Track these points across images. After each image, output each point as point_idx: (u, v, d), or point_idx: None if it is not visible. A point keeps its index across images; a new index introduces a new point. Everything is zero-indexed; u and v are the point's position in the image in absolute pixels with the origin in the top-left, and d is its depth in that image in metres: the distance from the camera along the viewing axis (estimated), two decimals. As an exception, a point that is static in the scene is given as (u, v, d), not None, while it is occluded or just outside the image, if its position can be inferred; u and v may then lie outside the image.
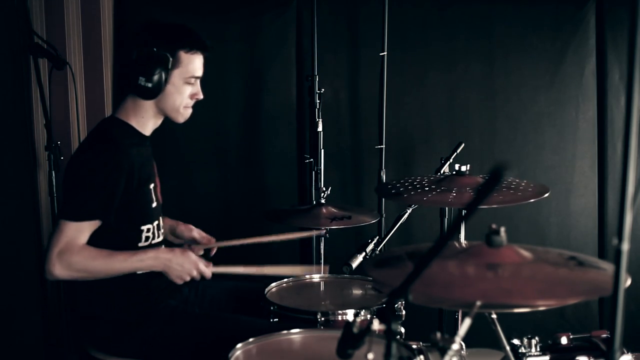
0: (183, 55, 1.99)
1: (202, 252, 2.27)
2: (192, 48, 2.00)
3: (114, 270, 1.91)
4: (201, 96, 2.07)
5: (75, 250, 1.86)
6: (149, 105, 2.02)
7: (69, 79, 2.57)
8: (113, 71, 3.05)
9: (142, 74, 1.93)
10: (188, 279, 2.00)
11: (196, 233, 2.30)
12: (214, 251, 2.30)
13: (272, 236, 2.30)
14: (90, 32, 2.96)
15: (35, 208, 2.79)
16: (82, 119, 2.92)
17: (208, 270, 2.02)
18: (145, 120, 2.05)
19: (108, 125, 2.05)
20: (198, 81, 2.06)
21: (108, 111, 3.01)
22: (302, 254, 3.28)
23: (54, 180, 2.34)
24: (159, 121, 2.10)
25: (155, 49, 1.94)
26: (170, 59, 1.95)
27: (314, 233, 2.49)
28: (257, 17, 3.19)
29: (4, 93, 2.59)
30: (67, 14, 2.90)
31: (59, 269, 1.85)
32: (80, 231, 1.88)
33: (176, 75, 1.99)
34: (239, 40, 3.19)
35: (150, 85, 1.94)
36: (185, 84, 2.02)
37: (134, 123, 2.04)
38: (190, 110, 2.08)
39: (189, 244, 2.30)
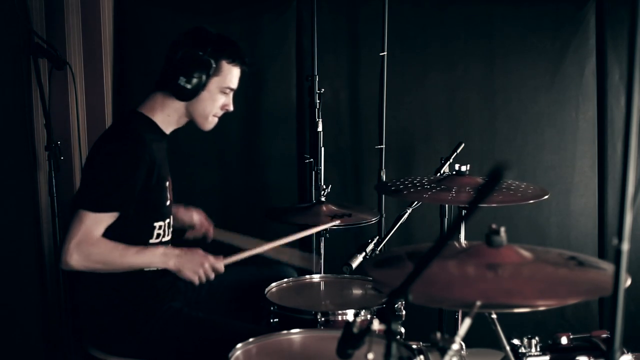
0: (225, 65, 2.04)
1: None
2: (234, 60, 2.05)
3: (128, 264, 1.93)
4: (231, 108, 2.12)
5: (93, 241, 1.87)
6: (179, 105, 2.05)
7: (69, 79, 2.57)
8: (113, 71, 3.04)
9: (183, 74, 1.97)
10: (202, 273, 2.00)
11: (196, 218, 2.32)
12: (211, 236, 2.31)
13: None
14: (90, 32, 2.95)
15: (35, 208, 2.78)
16: (82, 119, 2.91)
17: (219, 263, 2.03)
18: (171, 119, 2.08)
19: (131, 119, 2.07)
20: (232, 93, 2.10)
21: (108, 111, 3.01)
22: (300, 251, 3.28)
23: (54, 180, 2.34)
24: (183, 122, 2.13)
25: (201, 53, 1.98)
26: (213, 65, 2.00)
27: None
28: (257, 17, 3.19)
29: (4, 93, 2.59)
30: (67, 14, 2.90)
31: (76, 260, 1.86)
32: (99, 222, 1.89)
33: (214, 83, 2.03)
34: (239, 40, 3.12)
35: (189, 86, 1.98)
36: (220, 93, 2.06)
37: (158, 120, 2.06)
38: (216, 120, 2.12)
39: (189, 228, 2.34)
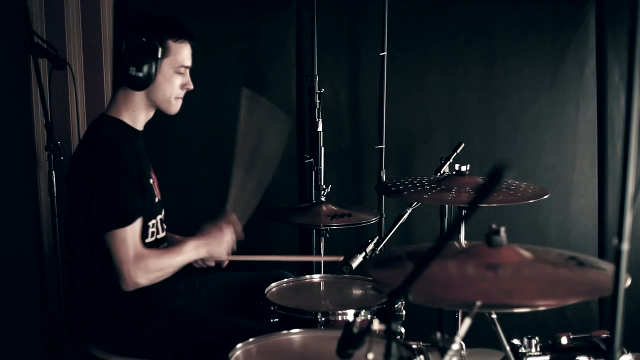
0: (172, 45, 2.00)
1: (213, 264, 2.26)
2: (180, 37, 2.02)
3: (176, 266, 2.00)
4: (191, 86, 2.08)
5: (144, 254, 1.90)
6: (140, 97, 2.02)
7: (69, 79, 2.57)
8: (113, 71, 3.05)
9: (132, 64, 1.94)
10: (229, 248, 2.12)
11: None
12: (226, 263, 2.26)
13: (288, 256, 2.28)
14: (90, 32, 2.96)
15: (35, 208, 2.79)
16: (82, 119, 2.91)
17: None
18: (137, 114, 2.05)
19: (101, 125, 2.04)
20: (188, 71, 2.07)
21: (108, 111, 3.01)
22: (302, 253, 3.28)
23: (54, 180, 2.34)
24: (151, 113, 2.09)
25: (144, 39, 1.95)
26: (160, 48, 1.97)
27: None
28: (257, 17, 3.19)
29: (4, 93, 2.59)
30: (67, 14, 2.90)
31: (141, 276, 1.89)
32: (135, 234, 1.90)
33: (166, 65, 2.00)
34: (239, 40, 3.19)
35: (141, 74, 1.95)
36: (176, 74, 2.03)
37: (126, 118, 2.04)
38: (180, 102, 2.09)
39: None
